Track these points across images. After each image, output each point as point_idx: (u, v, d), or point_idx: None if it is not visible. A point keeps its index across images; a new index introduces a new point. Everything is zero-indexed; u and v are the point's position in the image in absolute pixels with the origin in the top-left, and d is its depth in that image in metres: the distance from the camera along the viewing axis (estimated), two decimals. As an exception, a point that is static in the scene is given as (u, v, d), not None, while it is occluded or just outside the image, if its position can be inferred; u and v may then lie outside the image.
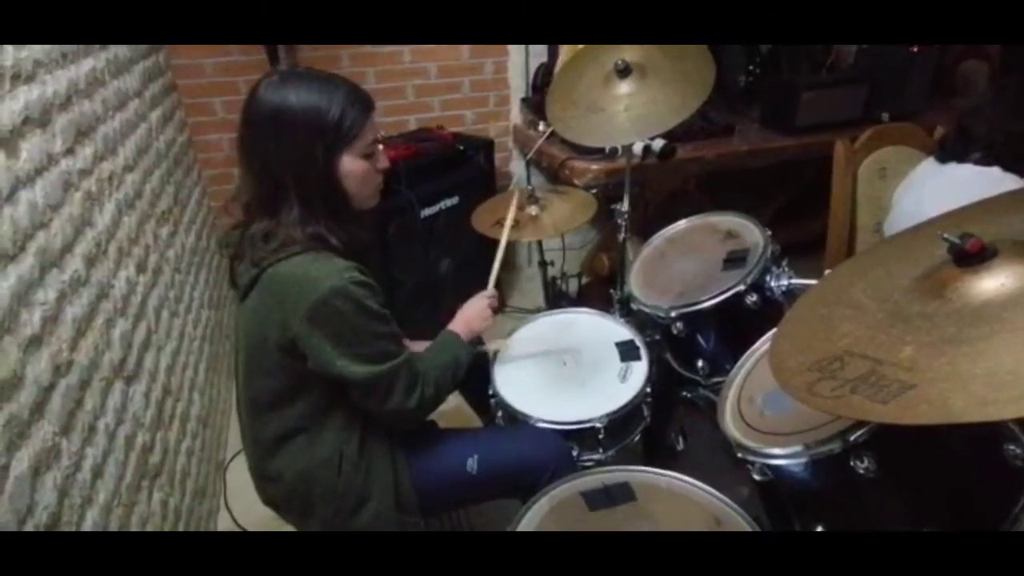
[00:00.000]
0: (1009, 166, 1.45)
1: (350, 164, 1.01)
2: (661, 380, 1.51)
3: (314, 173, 0.98)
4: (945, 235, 0.61)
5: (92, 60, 1.43)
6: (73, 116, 1.24)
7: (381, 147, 1.08)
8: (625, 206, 1.64)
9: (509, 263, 2.88)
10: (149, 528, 1.23)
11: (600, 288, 2.58)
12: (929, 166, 1.60)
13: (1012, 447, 0.77)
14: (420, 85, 2.52)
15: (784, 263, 1.31)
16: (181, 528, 1.43)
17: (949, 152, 1.55)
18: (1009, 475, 0.80)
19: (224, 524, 1.73)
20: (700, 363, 1.38)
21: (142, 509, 1.22)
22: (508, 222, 1.43)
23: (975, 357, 0.53)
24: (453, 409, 1.59)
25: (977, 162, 1.50)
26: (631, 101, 1.38)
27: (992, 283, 0.60)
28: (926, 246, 0.69)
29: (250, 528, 1.69)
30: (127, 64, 1.69)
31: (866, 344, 0.60)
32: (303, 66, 2.05)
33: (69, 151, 1.19)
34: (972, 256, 0.61)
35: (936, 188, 1.53)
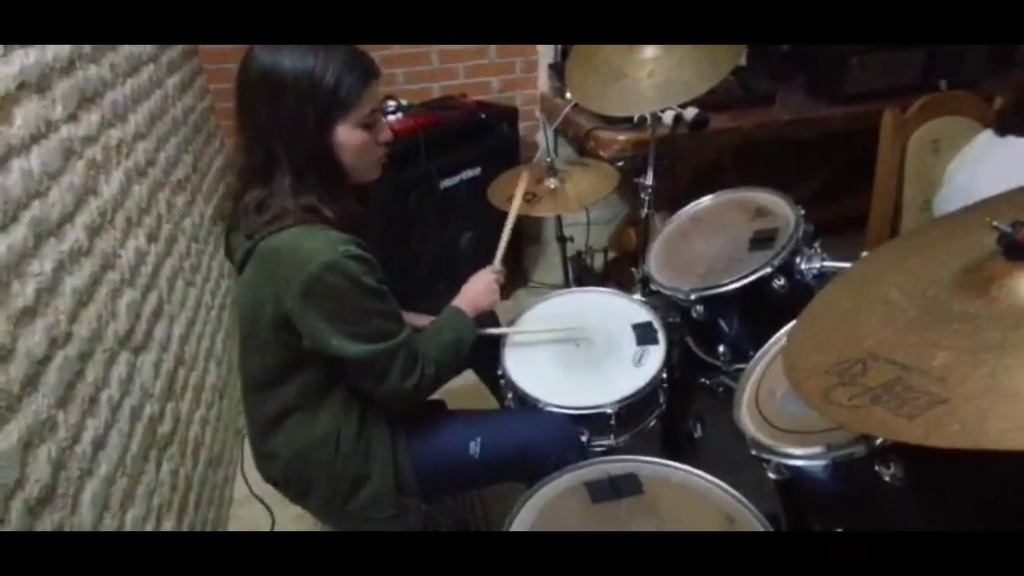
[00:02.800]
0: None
1: (346, 134, 0.96)
2: (681, 364, 1.44)
3: (306, 142, 0.93)
4: (995, 222, 0.52)
5: (101, 24, 1.40)
6: (76, 82, 1.21)
7: (397, 116, 1.03)
8: (649, 180, 1.55)
9: (534, 237, 2.81)
10: (156, 499, 1.24)
11: (627, 263, 2.48)
12: (987, 139, 1.46)
13: (1060, 460, 0.68)
14: (444, 51, 2.44)
15: (816, 244, 1.21)
16: (192, 497, 1.44)
17: (1009, 124, 1.41)
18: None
19: (240, 493, 1.75)
20: (721, 348, 1.30)
21: (149, 479, 1.23)
22: (516, 200, 1.37)
23: (1021, 370, 0.45)
24: (467, 387, 1.55)
25: (1037, 137, 1.37)
26: (656, 67, 1.29)
27: (1047, 281, 0.51)
28: (973, 233, 0.60)
29: (265, 497, 1.70)
30: (141, 28, 1.66)
31: (894, 346, 0.53)
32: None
33: (71, 117, 1.17)
34: (1024, 248, 0.52)
35: (994, 163, 1.40)
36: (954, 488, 0.76)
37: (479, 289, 1.22)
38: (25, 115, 1.00)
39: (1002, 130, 1.40)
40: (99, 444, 1.07)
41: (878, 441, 0.75)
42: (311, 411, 1.04)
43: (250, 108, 0.94)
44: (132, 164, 1.42)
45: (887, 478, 0.75)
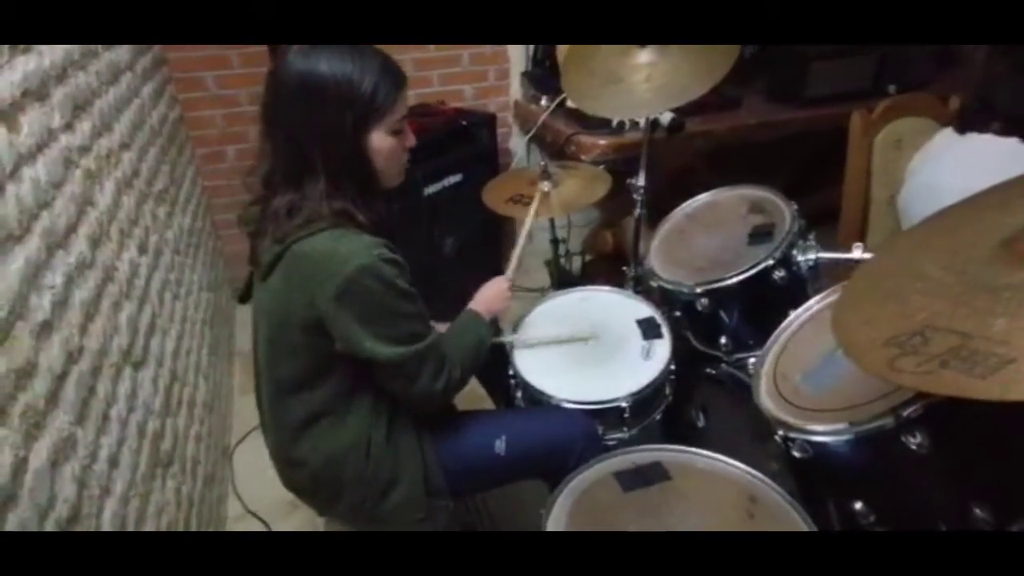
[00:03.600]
0: (1029, 138, 1.43)
1: (379, 140, 0.97)
2: (681, 356, 1.49)
3: (342, 147, 0.93)
4: (1029, 202, 0.59)
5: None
6: (70, 89, 1.17)
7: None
8: (641, 181, 1.60)
9: (510, 241, 2.83)
10: (165, 517, 1.20)
11: (603, 265, 2.54)
12: (947, 137, 1.57)
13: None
14: (419, 58, 2.45)
15: (811, 236, 1.29)
16: (194, 516, 1.39)
17: (969, 122, 1.52)
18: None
19: (234, 510, 1.70)
20: (723, 339, 1.36)
21: (157, 498, 1.19)
22: (532, 210, 1.40)
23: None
24: (466, 389, 1.56)
25: (997, 133, 1.48)
26: (653, 71, 1.34)
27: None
28: (995, 213, 0.66)
29: (261, 513, 1.66)
30: (118, 35, 1.61)
31: (950, 318, 0.58)
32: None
33: (68, 126, 1.13)
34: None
35: (955, 159, 1.51)
36: (973, 451, 0.82)
37: (492, 295, 1.24)
38: (30, 123, 0.97)
39: (963, 128, 1.50)
40: (113, 462, 1.03)
41: (905, 413, 0.81)
42: (339, 416, 1.04)
43: (283, 112, 0.94)
44: (120, 174, 1.38)
45: (913, 447, 0.81)
